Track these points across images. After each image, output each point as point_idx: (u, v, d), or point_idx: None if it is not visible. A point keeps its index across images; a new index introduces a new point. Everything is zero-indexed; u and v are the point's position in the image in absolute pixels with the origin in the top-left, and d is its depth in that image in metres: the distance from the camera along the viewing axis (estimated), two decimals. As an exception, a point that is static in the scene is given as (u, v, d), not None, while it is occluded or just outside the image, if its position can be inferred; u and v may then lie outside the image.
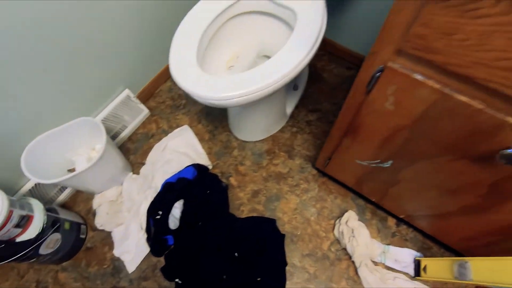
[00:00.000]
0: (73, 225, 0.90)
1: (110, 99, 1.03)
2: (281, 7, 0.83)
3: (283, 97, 1.02)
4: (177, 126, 1.14)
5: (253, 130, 1.08)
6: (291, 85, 1.17)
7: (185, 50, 0.75)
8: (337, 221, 0.95)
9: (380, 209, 0.97)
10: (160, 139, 1.12)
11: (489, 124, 0.43)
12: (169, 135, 1.12)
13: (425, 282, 0.87)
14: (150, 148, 1.10)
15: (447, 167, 0.56)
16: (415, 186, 0.70)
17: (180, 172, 0.98)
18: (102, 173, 0.90)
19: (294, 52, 0.71)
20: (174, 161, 1.03)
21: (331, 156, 0.85)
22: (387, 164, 0.69)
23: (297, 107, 1.18)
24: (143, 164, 1.07)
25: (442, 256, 0.91)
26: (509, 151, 0.43)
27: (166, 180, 0.97)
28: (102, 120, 1.00)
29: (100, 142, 0.85)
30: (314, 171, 1.05)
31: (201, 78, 0.70)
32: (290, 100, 1.15)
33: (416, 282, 0.87)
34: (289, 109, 1.14)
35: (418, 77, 0.45)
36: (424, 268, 0.85)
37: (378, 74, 0.49)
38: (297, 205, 0.99)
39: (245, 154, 1.09)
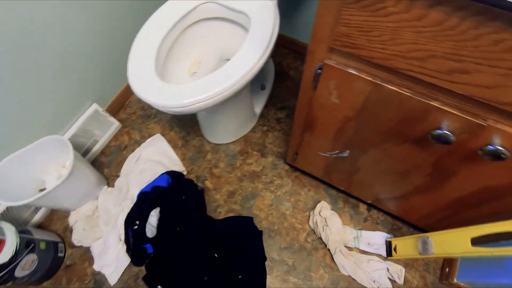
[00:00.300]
0: (50, 245, 0.90)
1: (78, 115, 1.03)
2: (234, 12, 0.85)
3: (250, 98, 1.05)
4: (150, 136, 1.15)
5: (224, 132, 1.10)
6: (258, 85, 1.20)
7: (143, 60, 0.76)
8: (311, 212, 0.99)
9: (352, 197, 1.02)
10: (133, 150, 1.13)
11: (418, 108, 0.47)
12: (142, 145, 1.13)
13: (396, 261, 0.92)
14: (123, 160, 1.11)
15: (394, 152, 0.61)
16: (373, 172, 0.75)
17: (154, 180, 0.99)
18: (75, 190, 0.90)
19: (250, 54, 0.74)
20: (148, 170, 1.04)
21: (297, 151, 0.89)
22: (346, 154, 0.74)
23: (266, 106, 1.21)
24: (118, 176, 1.08)
25: (411, 235, 0.96)
26: (438, 131, 0.47)
27: (142, 190, 0.98)
28: (71, 136, 1.00)
29: (69, 158, 0.85)
30: (287, 167, 1.08)
31: (161, 87, 0.72)
32: (258, 100, 1.19)
33: (388, 262, 0.91)
34: (258, 109, 1.17)
35: (352, 71, 0.48)
36: (395, 248, 0.90)
37: (319, 71, 0.52)
38: (272, 201, 1.02)
39: (218, 157, 1.11)
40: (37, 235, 0.87)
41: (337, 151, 0.74)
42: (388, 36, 0.40)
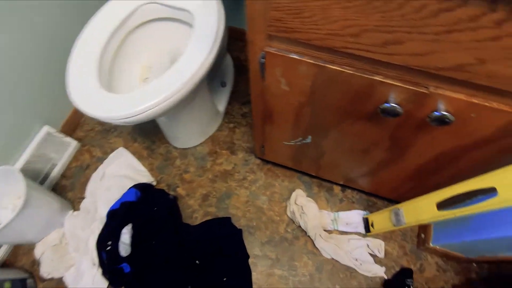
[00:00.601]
0: (16, 283, 0.83)
1: (28, 140, 0.96)
2: (177, 10, 0.82)
3: (210, 97, 1.02)
4: (112, 151, 1.10)
5: (190, 135, 1.07)
6: (218, 82, 1.17)
7: (84, 71, 0.72)
8: (287, 202, 0.99)
9: (325, 181, 1.02)
10: (96, 168, 1.07)
11: (363, 85, 0.47)
12: (105, 161, 1.08)
13: (375, 235, 0.94)
14: (87, 180, 1.05)
15: (351, 131, 0.61)
16: (337, 154, 0.75)
17: (122, 196, 0.95)
18: (35, 220, 0.84)
19: (197, 53, 0.71)
20: (115, 187, 1.00)
21: (263, 144, 0.88)
22: (308, 140, 0.73)
23: (229, 102, 1.19)
24: (83, 198, 1.02)
25: (386, 208, 0.99)
26: (386, 105, 0.48)
27: (110, 208, 0.93)
28: (25, 163, 0.93)
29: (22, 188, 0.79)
30: (258, 161, 1.07)
31: (106, 98, 0.67)
32: (220, 97, 1.16)
33: (368, 238, 0.93)
34: (221, 107, 1.15)
35: (294, 56, 0.47)
36: (372, 224, 0.92)
37: (262, 60, 0.51)
38: (248, 198, 1.01)
39: (187, 161, 1.08)
40: (0, 275, 0.81)
41: (300, 138, 0.73)
42: (319, 16, 0.39)
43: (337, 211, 0.98)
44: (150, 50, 0.93)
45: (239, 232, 0.94)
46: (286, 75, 0.52)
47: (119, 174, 1.04)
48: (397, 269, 0.90)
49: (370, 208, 0.99)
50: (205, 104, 1.00)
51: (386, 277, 0.88)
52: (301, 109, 0.61)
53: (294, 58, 0.47)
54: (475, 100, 0.43)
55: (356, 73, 0.46)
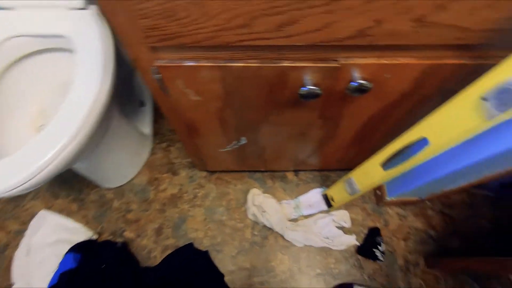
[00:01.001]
0: None
1: None
2: (50, 37, 0.68)
3: (128, 121, 0.90)
4: (32, 217, 0.92)
5: (120, 171, 0.95)
6: (136, 103, 1.05)
7: None
8: (246, 205, 0.94)
9: (277, 171, 1.00)
10: (18, 244, 0.89)
11: (274, 74, 0.43)
12: (27, 232, 0.90)
13: (338, 208, 0.95)
14: (11, 262, 0.87)
15: (280, 120, 0.57)
16: (277, 145, 0.72)
17: (59, 266, 0.80)
18: None
19: (88, 83, 0.60)
20: (49, 258, 0.84)
21: (201, 157, 0.81)
22: (244, 141, 0.68)
23: (155, 121, 1.08)
24: (12, 285, 0.84)
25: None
26: (303, 89, 0.44)
27: (48, 285, 0.79)
28: None
29: None
30: (204, 173, 1.00)
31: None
32: (143, 118, 1.05)
33: (332, 213, 0.94)
34: (147, 129, 1.04)
35: (190, 63, 0.41)
36: (332, 198, 0.92)
37: (158, 76, 0.43)
38: (204, 215, 0.94)
39: (127, 200, 0.96)
40: None
41: (234, 142, 0.68)
42: (197, 13, 0.33)
43: (297, 196, 0.97)
44: (37, 91, 0.78)
45: (205, 255, 0.87)
46: (190, 85, 0.45)
47: (49, 241, 0.88)
48: (366, 231, 0.92)
49: (326, 182, 0.99)
50: (125, 131, 0.88)
51: (358, 243, 0.90)
52: (222, 114, 0.55)
53: (191, 66, 0.41)
54: (384, 61, 0.41)
55: (262, 65, 0.41)
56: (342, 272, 0.87)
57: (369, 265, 0.88)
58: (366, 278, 0.87)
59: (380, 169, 0.64)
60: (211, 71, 0.42)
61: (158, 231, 0.91)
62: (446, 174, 0.67)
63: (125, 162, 0.94)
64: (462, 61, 0.43)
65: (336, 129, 0.62)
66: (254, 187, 0.96)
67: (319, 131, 0.63)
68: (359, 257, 0.89)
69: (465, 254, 0.89)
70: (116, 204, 0.95)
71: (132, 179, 0.99)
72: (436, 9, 0.33)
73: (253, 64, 0.41)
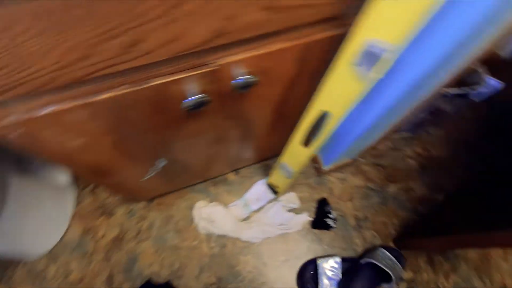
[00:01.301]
0: None
1: None
2: None
3: (35, 181, 0.79)
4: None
5: (43, 234, 0.84)
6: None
7: None
8: (195, 221, 0.90)
9: (217, 177, 0.97)
10: None
11: (151, 95, 0.40)
12: None
13: (285, 193, 0.96)
14: None
15: (189, 132, 0.54)
16: (200, 155, 0.69)
17: None
18: None
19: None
20: None
21: (128, 191, 0.74)
22: (164, 162, 0.64)
23: (71, 165, 0.97)
24: None
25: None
26: (188, 101, 0.42)
27: None
28: None
29: None
30: (142, 204, 0.93)
31: None
32: (53, 169, 0.93)
33: (280, 198, 0.95)
34: (63, 177, 0.92)
35: (45, 111, 0.35)
36: (275, 185, 0.93)
37: (16, 134, 0.37)
38: (155, 246, 0.88)
39: (63, 261, 0.85)
40: None
41: (151, 169, 0.63)
42: (16, 59, 0.28)
43: (243, 194, 0.96)
44: None
45: (166, 285, 0.82)
46: (62, 132, 0.40)
47: None
48: (315, 205, 0.96)
49: (268, 171, 1.00)
50: (34, 190, 0.78)
51: (311, 219, 0.93)
52: (118, 146, 0.50)
53: (48, 113, 0.35)
54: (258, 52, 0.41)
55: (134, 89, 0.37)
56: (304, 250, 0.89)
57: (325, 235, 0.92)
58: (326, 248, 0.90)
59: (302, 148, 0.65)
60: (76, 111, 0.37)
61: (109, 281, 0.83)
62: (361, 132, 0.71)
63: (47, 223, 0.83)
64: (331, 33, 0.44)
65: (249, 123, 0.61)
66: (199, 200, 0.93)
67: (234, 130, 0.62)
68: (315, 231, 0.92)
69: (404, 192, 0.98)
70: (51, 271, 0.84)
71: (62, 237, 0.88)
72: (279, -6, 0.32)
73: (124, 91, 0.37)
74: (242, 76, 0.43)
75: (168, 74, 0.38)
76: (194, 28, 0.32)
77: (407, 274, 0.89)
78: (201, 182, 0.95)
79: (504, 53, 1.18)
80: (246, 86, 0.44)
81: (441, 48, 0.42)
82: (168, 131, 0.50)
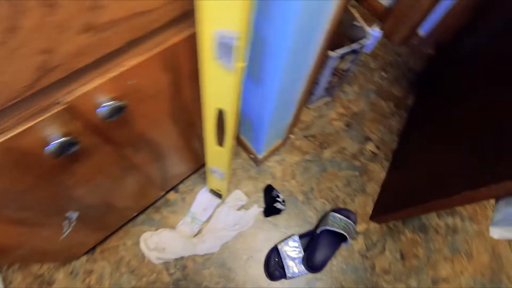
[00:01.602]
0: None
1: None
2: None
3: None
4: None
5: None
6: None
7: None
8: (143, 255, 0.85)
9: (154, 203, 0.92)
10: None
11: (4, 152, 0.35)
12: None
13: (230, 193, 0.95)
14: None
15: (75, 179, 0.48)
16: (117, 192, 0.64)
17: None
18: None
19: None
20: None
21: (56, 254, 0.67)
22: (76, 214, 0.58)
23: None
24: None
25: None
26: (51, 147, 0.37)
27: None
28: None
29: None
30: (83, 258, 0.85)
31: None
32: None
33: (226, 200, 0.94)
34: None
35: None
36: (217, 189, 0.91)
37: None
38: (112, 296, 0.82)
39: None
40: None
41: (66, 222, 0.57)
42: None
43: (189, 209, 0.92)
44: None
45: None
46: None
47: None
48: (262, 194, 0.96)
49: (203, 175, 0.97)
50: None
51: (262, 209, 0.93)
52: (9, 218, 0.44)
53: None
54: (111, 75, 0.37)
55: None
56: (263, 241, 0.90)
57: (280, 219, 0.93)
58: (284, 231, 0.92)
59: (219, 148, 0.64)
60: None
61: None
62: (271, 115, 0.72)
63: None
64: (189, 32, 0.42)
65: (153, 143, 0.58)
66: (144, 232, 0.88)
67: (140, 155, 0.58)
68: (269, 218, 0.93)
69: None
70: None
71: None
72: (92, 12, 0.29)
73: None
74: (105, 104, 0.39)
75: (14, 126, 0.33)
76: (9, 73, 0.28)
77: (360, 227, 0.94)
78: (140, 213, 0.90)
79: (385, 2, 1.28)
80: (116, 113, 0.40)
81: (294, 17, 0.43)
82: (52, 184, 0.45)
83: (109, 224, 0.76)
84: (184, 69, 0.48)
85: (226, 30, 0.36)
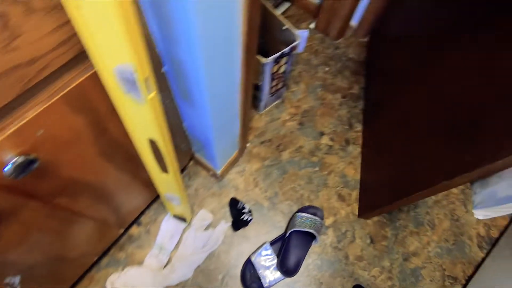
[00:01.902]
0: None
1: None
2: None
3: None
4: None
5: None
6: None
7: None
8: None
9: (114, 243, 0.87)
10: None
11: None
12: None
13: (194, 215, 0.93)
14: None
15: (3, 244, 0.46)
16: (57, 246, 0.60)
17: None
18: None
19: None
20: None
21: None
22: (18, 277, 0.54)
23: None
24: None
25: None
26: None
27: None
28: None
29: None
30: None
31: None
32: None
33: (192, 222, 0.91)
34: None
35: None
36: (179, 214, 0.89)
37: None
38: None
39: None
40: None
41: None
42: None
43: (155, 240, 0.89)
44: None
45: None
46: None
47: None
48: (227, 208, 0.95)
49: (160, 206, 0.94)
50: None
51: (229, 223, 0.92)
52: None
53: None
54: (13, 128, 0.35)
55: None
56: (236, 256, 0.89)
57: (249, 230, 0.92)
58: (255, 241, 0.91)
59: (165, 175, 0.62)
60: None
61: None
62: (213, 131, 0.71)
63: None
64: (90, 72, 0.41)
65: (91, 186, 0.55)
66: (110, 274, 0.83)
67: (78, 202, 0.55)
68: (238, 232, 0.92)
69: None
70: None
71: None
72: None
73: None
74: (10, 163, 0.36)
75: None
76: None
77: (328, 220, 0.96)
78: (102, 255, 0.85)
79: (315, 0, 1.33)
80: (25, 167, 0.38)
81: (197, 38, 0.43)
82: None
83: (66, 276, 0.71)
84: (101, 106, 0.46)
85: (122, 65, 0.35)
